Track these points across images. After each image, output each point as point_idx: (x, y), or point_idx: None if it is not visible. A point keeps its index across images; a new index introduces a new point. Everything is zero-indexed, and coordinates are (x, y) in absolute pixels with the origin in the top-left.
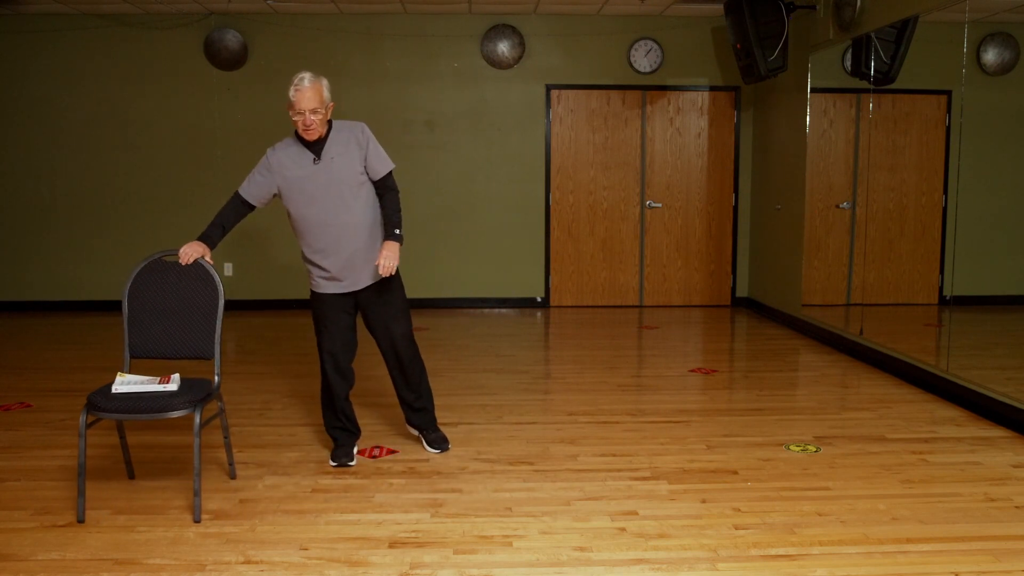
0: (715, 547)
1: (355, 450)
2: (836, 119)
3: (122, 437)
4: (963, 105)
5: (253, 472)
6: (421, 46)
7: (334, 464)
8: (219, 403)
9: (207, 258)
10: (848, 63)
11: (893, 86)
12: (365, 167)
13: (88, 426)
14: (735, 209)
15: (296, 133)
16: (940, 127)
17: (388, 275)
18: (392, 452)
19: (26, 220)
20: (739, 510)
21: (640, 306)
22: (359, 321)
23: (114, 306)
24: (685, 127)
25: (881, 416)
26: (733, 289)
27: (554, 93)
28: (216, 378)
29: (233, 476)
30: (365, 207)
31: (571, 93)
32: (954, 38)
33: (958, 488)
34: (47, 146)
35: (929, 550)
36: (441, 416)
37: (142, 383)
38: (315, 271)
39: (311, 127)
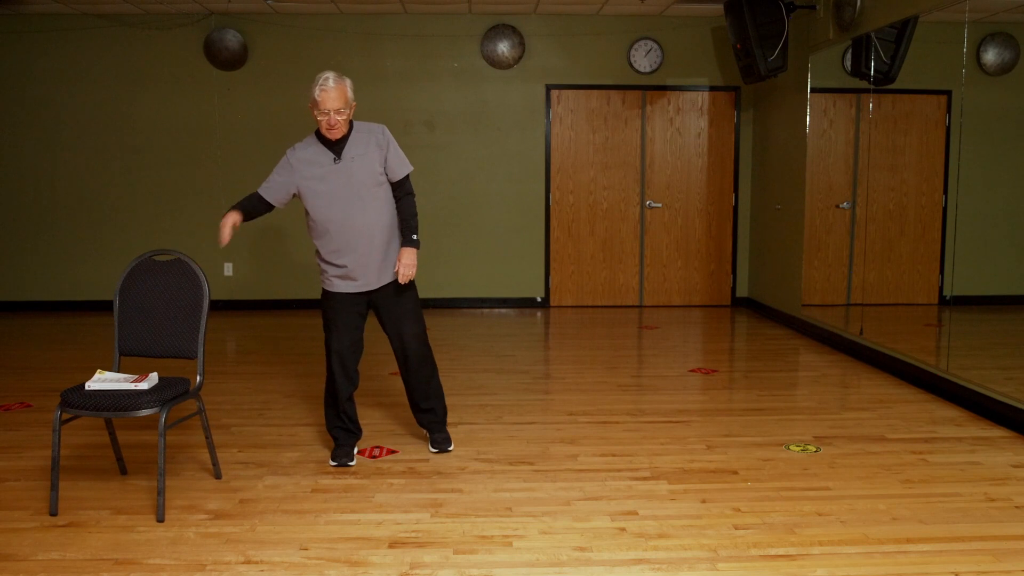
0: (715, 547)
1: (355, 450)
2: (836, 119)
3: (111, 434)
4: (963, 105)
5: (253, 472)
6: (421, 46)
7: (334, 464)
8: (198, 403)
9: (236, 225)
10: (848, 63)
11: (893, 86)
12: (384, 168)
13: (63, 423)
14: (735, 209)
15: (316, 132)
16: (940, 127)
17: (406, 282)
18: (392, 452)
19: (26, 220)
20: (739, 510)
21: (640, 306)
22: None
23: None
24: (685, 127)
25: (881, 416)
26: (733, 289)
27: (554, 93)
28: (199, 378)
29: (218, 476)
30: (382, 208)
31: (571, 93)
32: (954, 38)
33: (958, 488)
34: (47, 146)
35: (929, 550)
36: None
37: (117, 381)
38: (330, 270)
39: (335, 127)
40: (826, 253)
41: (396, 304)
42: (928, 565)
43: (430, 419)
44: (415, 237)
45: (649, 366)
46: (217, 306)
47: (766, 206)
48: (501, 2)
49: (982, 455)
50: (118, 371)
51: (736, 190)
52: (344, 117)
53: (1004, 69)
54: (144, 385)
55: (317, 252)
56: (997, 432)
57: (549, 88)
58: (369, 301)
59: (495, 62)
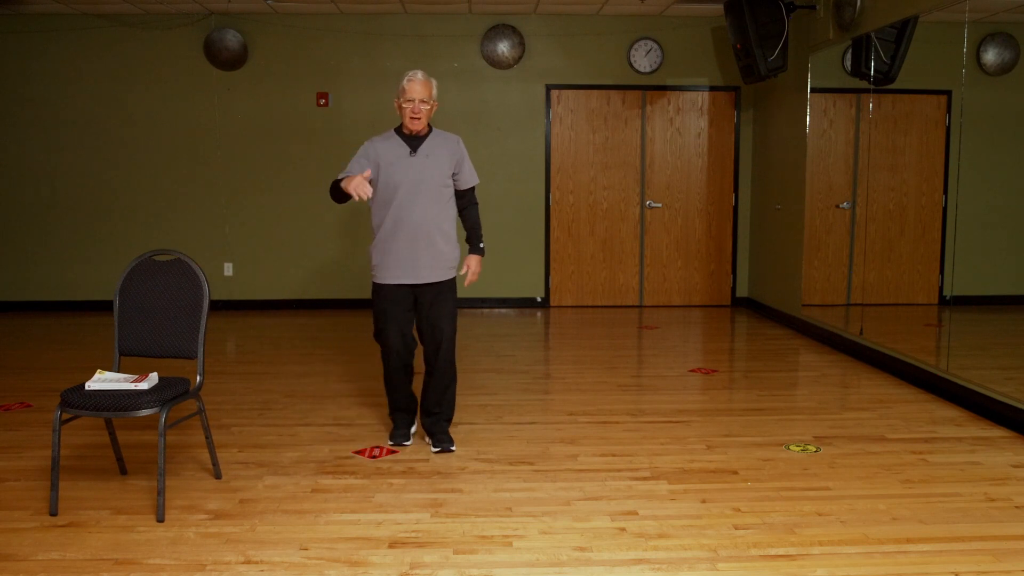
0: (715, 547)
1: (412, 430)
2: (836, 119)
3: (111, 434)
4: (963, 105)
5: (253, 472)
6: (421, 46)
7: (391, 443)
8: (198, 403)
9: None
10: (848, 63)
11: (893, 86)
12: (454, 175)
13: (63, 423)
14: (735, 209)
15: (396, 129)
16: (940, 127)
17: (472, 280)
18: (392, 452)
19: (26, 220)
20: (739, 510)
21: (640, 306)
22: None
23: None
24: (685, 127)
25: (881, 416)
26: (733, 289)
27: (554, 93)
28: (199, 378)
29: (218, 476)
30: (443, 209)
31: (571, 93)
32: (954, 38)
33: (958, 488)
34: (47, 146)
35: (929, 550)
36: None
37: (117, 381)
38: (381, 260)
39: (419, 115)
40: (826, 253)
41: (439, 304)
42: (928, 565)
43: (434, 421)
44: (482, 246)
45: (649, 366)
46: (217, 306)
47: (766, 206)
48: (501, 2)
49: (982, 455)
50: (118, 371)
51: (736, 190)
52: (427, 108)
53: (1004, 69)
54: (144, 385)
55: (373, 244)
56: (997, 432)
57: (549, 88)
58: (415, 296)
59: (495, 62)
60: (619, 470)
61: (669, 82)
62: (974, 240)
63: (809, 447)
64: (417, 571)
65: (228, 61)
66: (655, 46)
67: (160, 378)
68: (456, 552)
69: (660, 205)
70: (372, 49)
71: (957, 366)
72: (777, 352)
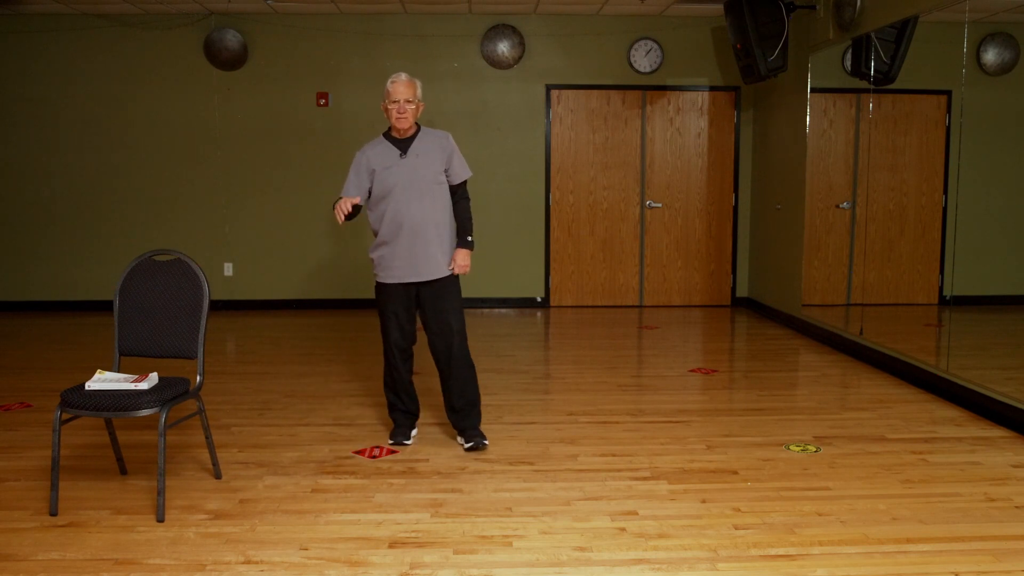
0: (715, 547)
1: (413, 431)
2: (836, 119)
3: (111, 434)
4: (963, 105)
5: (253, 472)
6: (421, 46)
7: (391, 443)
8: (198, 403)
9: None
10: (848, 63)
11: (893, 86)
12: (446, 171)
13: (63, 423)
14: (735, 209)
15: (384, 134)
16: (940, 127)
17: (461, 273)
18: (392, 452)
19: (26, 220)
20: (739, 510)
21: (640, 306)
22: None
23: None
24: (685, 127)
25: (881, 416)
26: (733, 289)
27: (554, 93)
28: (199, 378)
29: (218, 476)
30: (438, 206)
31: (571, 93)
32: (954, 38)
33: (958, 488)
34: (47, 146)
35: (929, 550)
36: (439, 416)
37: (117, 381)
38: (382, 260)
39: (404, 114)
40: (826, 253)
41: (442, 299)
42: (928, 565)
43: (463, 417)
44: (470, 239)
45: (649, 366)
46: (217, 306)
47: (766, 206)
48: (501, 2)
49: (982, 455)
50: (118, 371)
51: (736, 190)
52: (412, 108)
53: (1004, 69)
54: (144, 385)
55: (374, 245)
56: (997, 432)
57: (549, 88)
58: (417, 294)
59: (495, 62)
60: (619, 470)
61: (669, 82)
62: (974, 240)
63: (809, 447)
64: (417, 571)
65: (228, 61)
66: (655, 46)
67: (160, 378)
68: (456, 552)
69: (660, 205)
70: (372, 49)
71: (957, 366)
72: (777, 352)
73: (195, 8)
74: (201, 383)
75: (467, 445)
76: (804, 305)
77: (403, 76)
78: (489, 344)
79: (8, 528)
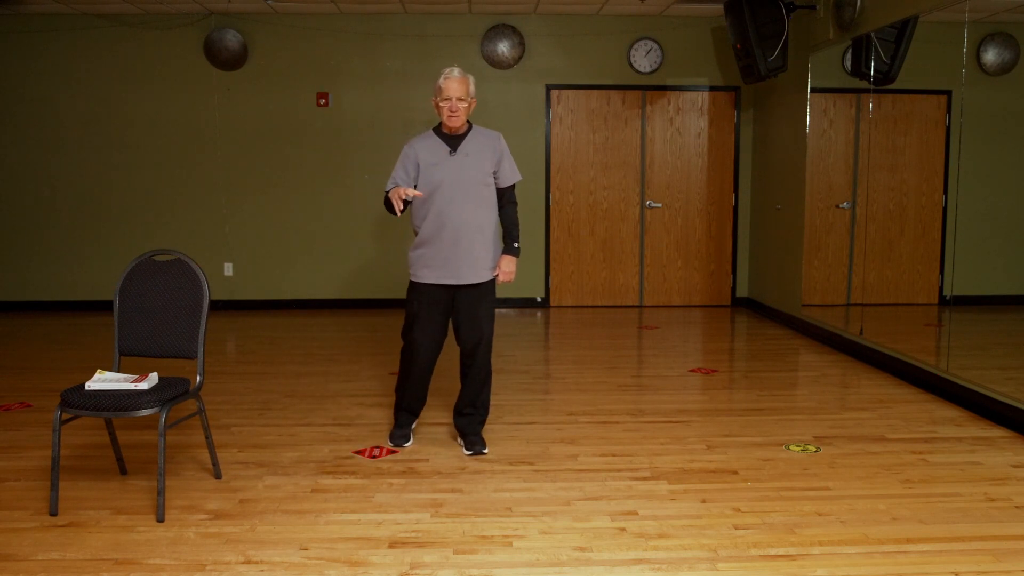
0: (715, 547)
1: (411, 429)
2: (836, 119)
3: (111, 434)
4: (963, 105)
5: (253, 472)
6: (421, 46)
7: (391, 444)
8: (198, 403)
9: (412, 193)
10: (848, 63)
11: (893, 86)
12: (495, 173)
13: (63, 423)
14: (735, 209)
15: (435, 129)
16: (940, 127)
17: (505, 281)
18: (392, 452)
19: (26, 220)
20: (739, 510)
21: (640, 306)
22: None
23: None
24: (685, 127)
25: (881, 416)
26: (733, 289)
27: (554, 93)
28: (199, 378)
29: (218, 476)
30: (484, 208)
31: (571, 93)
32: (954, 38)
33: (958, 488)
34: (47, 146)
35: (929, 550)
36: (440, 416)
37: (117, 381)
38: (421, 259)
39: (456, 112)
40: (826, 253)
41: (478, 305)
42: (928, 565)
43: (468, 422)
44: (517, 245)
45: (649, 366)
46: (217, 306)
47: (766, 206)
48: (501, 2)
49: (982, 455)
50: (118, 371)
51: (736, 190)
52: (465, 105)
53: (1004, 69)
54: (144, 385)
55: (414, 244)
56: (997, 432)
57: (549, 88)
58: (453, 298)
59: (495, 62)
60: (619, 470)
61: (669, 82)
62: (974, 240)
63: (809, 447)
64: (417, 571)
65: (228, 61)
66: (655, 46)
67: (160, 378)
68: (456, 552)
69: (660, 205)
70: (372, 49)
71: (957, 366)
72: (777, 352)
73: (195, 8)
74: (201, 383)
75: (467, 452)
76: (804, 305)
77: (456, 72)
78: None
79: (8, 528)
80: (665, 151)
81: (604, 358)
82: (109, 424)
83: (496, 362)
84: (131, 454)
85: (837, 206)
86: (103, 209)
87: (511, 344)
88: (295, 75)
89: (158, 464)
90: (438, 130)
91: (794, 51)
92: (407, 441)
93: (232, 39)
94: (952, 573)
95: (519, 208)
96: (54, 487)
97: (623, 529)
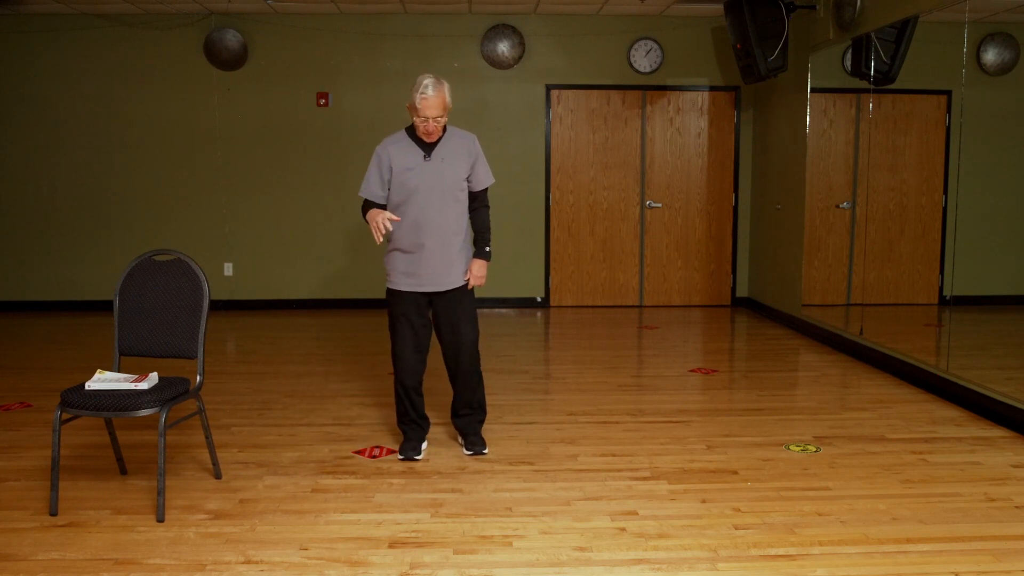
0: (715, 547)
1: (423, 444)
2: (836, 119)
3: (111, 434)
4: (963, 105)
5: (253, 472)
6: (421, 46)
7: (401, 457)
8: (198, 403)
9: (390, 217)
10: (848, 63)
11: (893, 86)
12: (469, 177)
13: (63, 423)
14: (735, 209)
15: (406, 129)
16: (940, 127)
17: (477, 285)
18: (392, 452)
19: (26, 220)
20: (739, 510)
21: (640, 306)
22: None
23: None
24: (685, 127)
25: (881, 416)
26: (733, 289)
27: (554, 93)
28: (199, 378)
29: (218, 476)
30: (458, 213)
31: (571, 93)
32: (954, 38)
33: (958, 488)
34: (47, 146)
35: (929, 550)
36: (441, 416)
37: (117, 381)
38: (397, 266)
39: (432, 133)
40: (826, 253)
41: (456, 309)
42: (928, 565)
43: (467, 423)
44: (488, 249)
45: (649, 366)
46: (217, 306)
47: (766, 206)
48: (501, 2)
49: (982, 455)
50: (118, 371)
51: (736, 190)
52: (441, 123)
53: (1004, 69)
54: (144, 385)
55: (389, 250)
56: (997, 432)
57: (549, 88)
58: (430, 303)
59: (495, 62)
60: (619, 470)
61: (669, 82)
62: (974, 240)
63: (809, 447)
64: (417, 571)
65: (228, 61)
66: (655, 46)
67: (160, 378)
68: (456, 552)
69: (660, 205)
70: (372, 49)
71: (957, 366)
72: (777, 352)
73: (195, 8)
74: (201, 383)
75: (467, 451)
76: (804, 305)
77: (430, 89)
78: (489, 344)
79: (8, 528)
80: (665, 151)
81: (604, 358)
82: (109, 424)
83: (496, 362)
84: (131, 454)
85: (837, 206)
86: (103, 209)
87: (511, 344)
88: (295, 75)
89: (158, 464)
90: (411, 132)
91: (794, 51)
92: (418, 455)
93: (232, 39)
94: (952, 573)
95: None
96: (54, 487)
97: (623, 529)
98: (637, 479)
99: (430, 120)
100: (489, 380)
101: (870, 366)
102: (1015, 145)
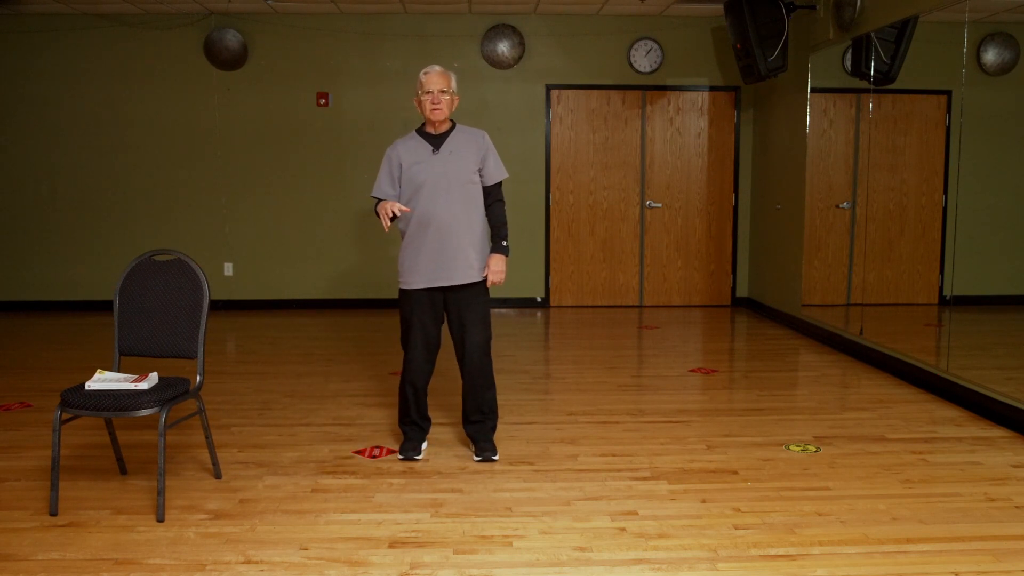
0: (715, 547)
1: (423, 445)
2: (836, 119)
3: (111, 434)
4: (963, 105)
5: (253, 472)
6: (421, 46)
7: (401, 457)
8: (198, 403)
9: (401, 207)
10: (848, 63)
11: (893, 86)
12: (480, 170)
13: (63, 423)
14: (735, 209)
15: (417, 129)
16: (940, 127)
17: (491, 285)
18: (392, 452)
19: (26, 220)
20: (739, 510)
21: (640, 306)
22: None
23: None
24: (685, 127)
25: (881, 416)
26: (733, 289)
27: (554, 93)
28: (199, 378)
29: (218, 476)
30: (470, 207)
31: (571, 93)
32: (954, 38)
33: (958, 488)
34: (47, 146)
35: (929, 550)
36: (442, 416)
37: (117, 381)
38: (407, 264)
39: (439, 104)
40: (826, 253)
41: (468, 308)
42: (928, 565)
43: (477, 429)
44: (505, 244)
45: (649, 366)
46: (217, 306)
47: (766, 206)
48: (501, 2)
49: (982, 455)
50: (118, 371)
51: (736, 190)
52: (447, 98)
53: (1004, 69)
54: (144, 385)
55: (402, 247)
56: (997, 432)
57: (549, 88)
58: (444, 300)
59: (495, 62)
60: (619, 470)
61: (669, 82)
62: (974, 240)
63: (809, 447)
64: (417, 571)
65: (228, 61)
66: (655, 46)
67: (160, 378)
68: (456, 552)
69: (660, 205)
70: (372, 49)
71: (957, 366)
72: (777, 352)
73: (195, 8)
74: (201, 383)
75: (477, 458)
76: (804, 305)
77: (437, 67)
78: None
79: (8, 528)
80: (665, 151)
81: (604, 358)
82: (109, 424)
83: (496, 362)
84: (131, 454)
85: (837, 206)
86: (103, 209)
87: (511, 344)
88: (295, 75)
89: (158, 464)
90: (421, 130)
91: (794, 51)
92: (418, 455)
93: (232, 39)
94: (952, 573)
95: (507, 206)
96: (54, 487)
97: (623, 529)
98: (637, 479)
99: (435, 91)
100: None
101: (870, 366)
102: (1015, 145)
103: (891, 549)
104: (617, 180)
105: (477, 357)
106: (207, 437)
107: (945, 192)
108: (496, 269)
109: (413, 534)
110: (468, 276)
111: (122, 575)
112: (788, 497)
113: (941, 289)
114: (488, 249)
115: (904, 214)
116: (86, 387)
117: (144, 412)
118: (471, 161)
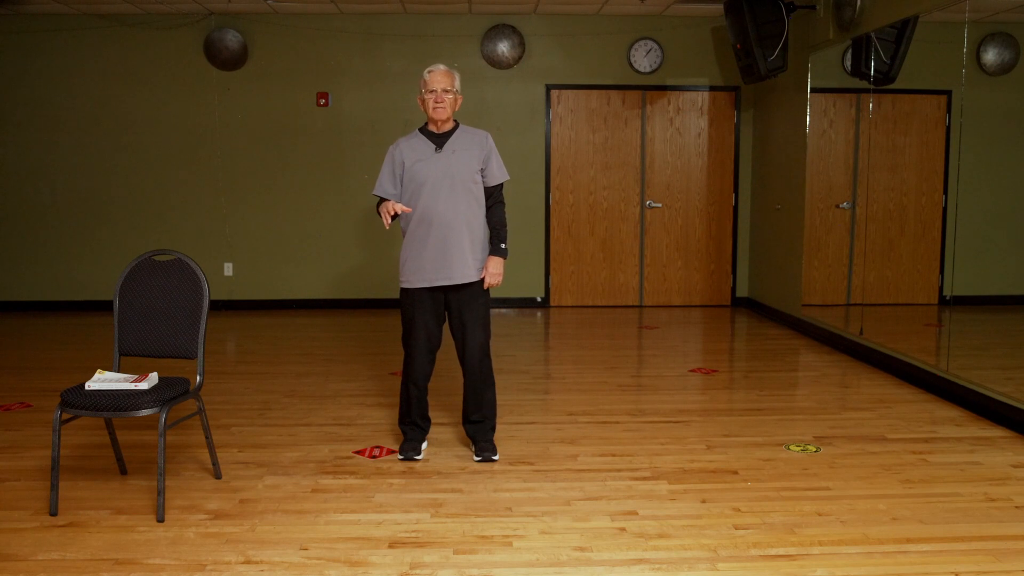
0: (715, 547)
1: (423, 445)
2: (836, 119)
3: (111, 434)
4: (963, 105)
5: (253, 472)
6: (421, 46)
7: (401, 457)
8: (198, 403)
9: (402, 208)
10: (848, 63)
11: (893, 86)
12: (483, 171)
13: (63, 423)
14: (735, 209)
15: (421, 128)
16: (940, 127)
17: (493, 286)
18: (392, 452)
19: (25, 220)
20: (739, 510)
21: (640, 306)
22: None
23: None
24: (685, 127)
25: (881, 416)
26: (733, 289)
27: (554, 93)
28: (199, 378)
29: (218, 476)
30: (471, 207)
31: (571, 93)
32: (954, 38)
33: (958, 488)
34: (47, 146)
35: (929, 550)
36: (442, 416)
37: (117, 381)
38: (408, 263)
39: (442, 102)
40: (826, 253)
41: (468, 309)
42: (928, 565)
43: (477, 429)
44: (504, 246)
45: (649, 366)
46: (217, 306)
47: (766, 206)
48: (501, 2)
49: (982, 455)
50: (118, 371)
51: (736, 190)
52: (451, 97)
53: (1004, 69)
54: (144, 385)
55: (403, 246)
56: (997, 432)
57: (549, 88)
58: (445, 300)
59: (495, 62)
60: (619, 470)
61: (669, 82)
62: (974, 240)
63: (809, 447)
64: (417, 571)
65: (228, 61)
66: (655, 46)
67: (160, 378)
68: (456, 552)
69: (660, 205)
70: (372, 49)
71: (957, 366)
72: (777, 352)
73: (195, 8)
74: (201, 383)
75: (477, 458)
76: (804, 305)
77: (441, 66)
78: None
79: (8, 528)
80: (665, 151)
81: (604, 358)
82: (109, 424)
83: (496, 362)
84: (131, 454)
85: (837, 206)
86: (103, 209)
87: (511, 344)
88: (295, 75)
89: (158, 464)
90: (424, 129)
91: (794, 51)
92: (418, 455)
93: (232, 39)
94: (952, 573)
95: (506, 208)
96: (54, 487)
97: (623, 529)
98: (637, 479)
99: (439, 90)
100: None
101: (870, 366)
102: (1015, 145)
103: (891, 549)
104: (617, 180)
105: (477, 357)
106: (207, 437)
107: (945, 192)
108: (494, 271)
109: (413, 534)
110: (468, 276)
111: (122, 575)
112: (788, 497)
113: (941, 289)
114: (488, 250)
115: (904, 214)
116: (86, 387)
117: (144, 412)
118: (473, 161)
